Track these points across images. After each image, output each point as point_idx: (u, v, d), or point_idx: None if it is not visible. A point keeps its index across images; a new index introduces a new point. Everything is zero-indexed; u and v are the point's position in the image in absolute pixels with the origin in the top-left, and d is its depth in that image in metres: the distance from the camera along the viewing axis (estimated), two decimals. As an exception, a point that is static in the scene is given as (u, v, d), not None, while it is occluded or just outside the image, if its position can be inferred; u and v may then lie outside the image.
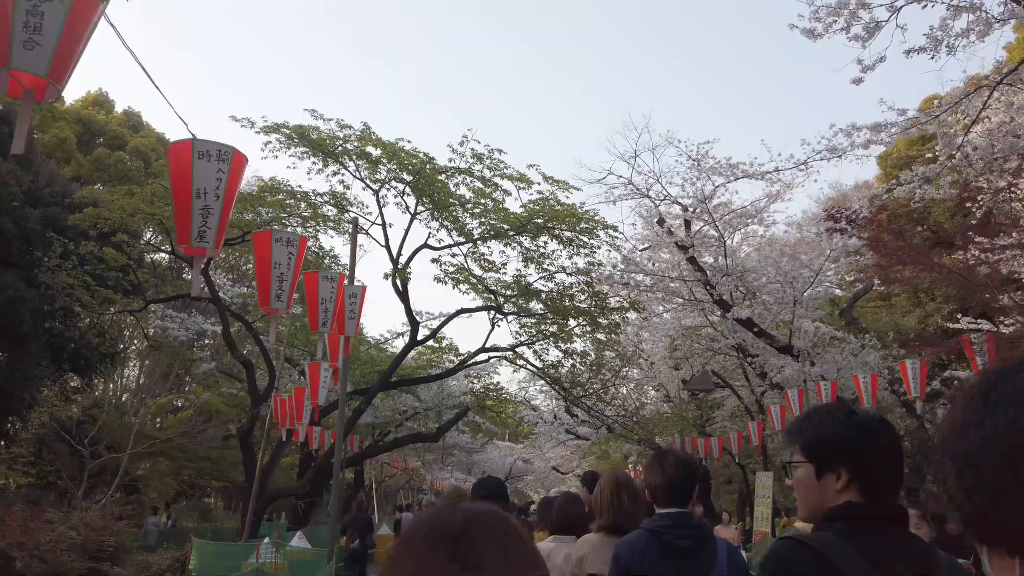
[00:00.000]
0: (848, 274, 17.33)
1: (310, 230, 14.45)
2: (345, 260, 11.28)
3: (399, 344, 17.08)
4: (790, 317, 12.10)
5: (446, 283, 13.23)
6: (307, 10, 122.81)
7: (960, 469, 0.72)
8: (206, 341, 22.45)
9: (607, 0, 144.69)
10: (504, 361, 17.08)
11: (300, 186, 13.37)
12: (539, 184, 12.99)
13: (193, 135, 3.13)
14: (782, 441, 2.03)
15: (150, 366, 24.34)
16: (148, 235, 17.14)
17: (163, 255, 21.89)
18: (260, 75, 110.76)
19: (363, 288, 6.82)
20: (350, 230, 10.00)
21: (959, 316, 14.25)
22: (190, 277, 20.68)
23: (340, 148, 12.40)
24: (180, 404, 26.26)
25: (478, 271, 13.81)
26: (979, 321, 13.64)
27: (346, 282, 6.58)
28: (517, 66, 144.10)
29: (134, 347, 24.44)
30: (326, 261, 15.99)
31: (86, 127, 24.44)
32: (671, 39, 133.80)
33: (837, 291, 16.65)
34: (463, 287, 13.62)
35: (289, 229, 15.16)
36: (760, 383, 15.50)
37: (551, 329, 15.44)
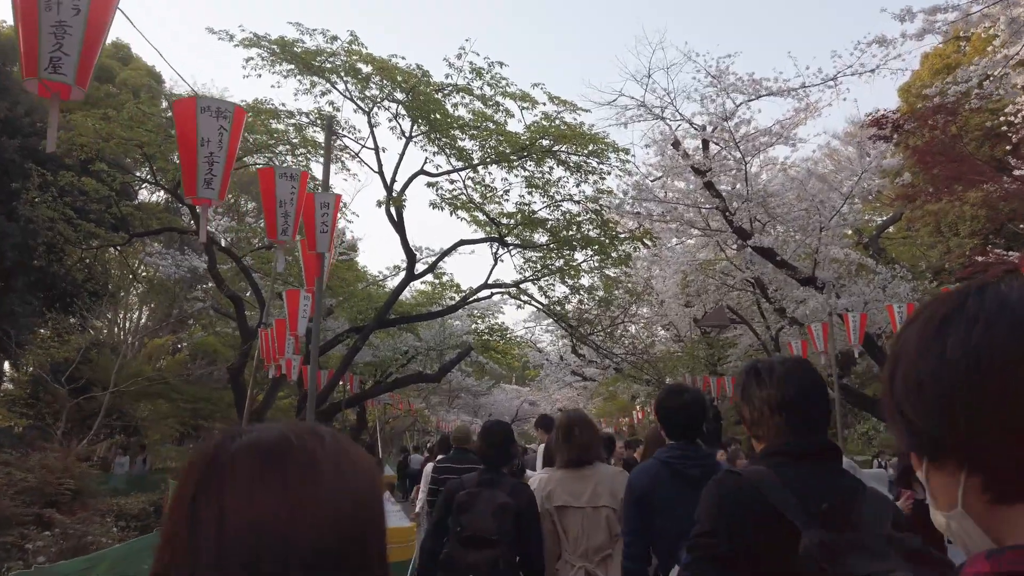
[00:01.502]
0: (867, 212, 16.40)
1: (300, 158, 13.58)
2: (339, 189, 10.44)
3: (398, 282, 16.30)
4: (815, 244, 11.18)
5: (443, 208, 12.33)
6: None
7: (915, 386, 0.71)
8: (208, 284, 21.76)
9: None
10: (508, 299, 16.32)
11: (284, 104, 12.42)
12: (544, 104, 12.01)
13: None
14: None
15: (152, 307, 23.81)
16: (141, 172, 16.18)
17: (156, 197, 21.07)
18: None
19: (336, 197, 5.95)
20: (337, 145, 9.04)
21: (989, 248, 13.85)
22: (185, 218, 19.94)
23: (328, 64, 11.39)
24: (180, 346, 25.78)
25: (478, 199, 12.90)
26: (1008, 253, 13.15)
27: (316, 187, 5.73)
28: None
29: (135, 290, 23.86)
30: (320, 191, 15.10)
31: (71, 57, 23.30)
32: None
33: (849, 231, 15.83)
34: (461, 213, 12.71)
35: (279, 159, 14.32)
36: (778, 320, 14.70)
37: (557, 263, 14.63)
